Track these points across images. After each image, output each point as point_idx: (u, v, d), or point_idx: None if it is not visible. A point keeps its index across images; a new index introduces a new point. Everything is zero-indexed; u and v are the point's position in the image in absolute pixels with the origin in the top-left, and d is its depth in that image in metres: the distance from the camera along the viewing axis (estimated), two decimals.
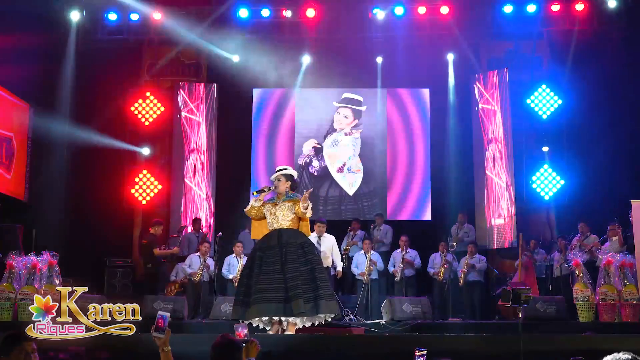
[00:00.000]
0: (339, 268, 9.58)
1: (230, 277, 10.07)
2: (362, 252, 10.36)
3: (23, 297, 8.11)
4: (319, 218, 10.00)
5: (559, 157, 11.94)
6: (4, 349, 3.52)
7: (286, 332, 6.72)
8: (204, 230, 11.65)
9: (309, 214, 6.80)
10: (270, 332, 6.70)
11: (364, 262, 10.14)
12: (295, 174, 7.18)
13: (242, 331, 3.99)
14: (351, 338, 7.11)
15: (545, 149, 11.96)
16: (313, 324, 6.80)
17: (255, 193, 7.04)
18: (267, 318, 6.70)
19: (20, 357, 3.50)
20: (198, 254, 10.22)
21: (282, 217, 6.84)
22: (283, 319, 6.68)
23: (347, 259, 10.71)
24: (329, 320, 6.86)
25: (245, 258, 10.27)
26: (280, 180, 6.97)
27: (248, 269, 6.85)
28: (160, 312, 3.88)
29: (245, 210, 7.08)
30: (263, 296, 6.55)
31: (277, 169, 7.20)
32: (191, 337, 6.81)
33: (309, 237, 7.10)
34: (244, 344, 3.92)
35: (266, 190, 6.97)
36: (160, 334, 3.84)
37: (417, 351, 4.05)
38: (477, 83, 12.47)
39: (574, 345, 6.43)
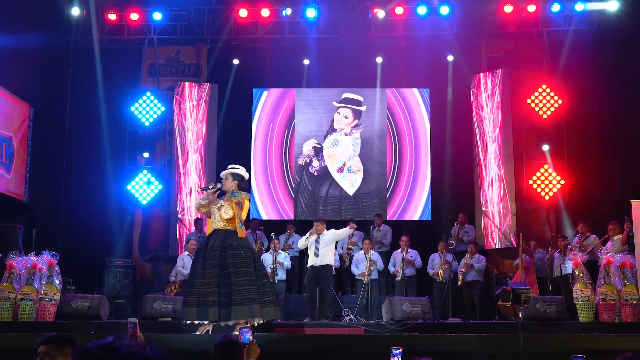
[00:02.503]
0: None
1: None
2: (362, 252, 10.36)
3: (23, 297, 8.11)
4: (315, 217, 10.01)
5: (559, 157, 11.93)
6: None
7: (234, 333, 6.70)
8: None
9: (225, 214, 6.70)
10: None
11: (364, 262, 10.13)
12: (246, 175, 7.09)
13: (247, 333, 4.01)
14: (351, 338, 7.11)
15: (545, 147, 11.94)
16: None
17: (199, 190, 6.98)
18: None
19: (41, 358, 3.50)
20: (187, 252, 10.20)
21: (218, 217, 6.78)
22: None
23: (349, 258, 10.73)
24: (261, 323, 6.75)
25: None
26: (227, 179, 6.89)
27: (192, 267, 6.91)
28: (129, 320, 3.82)
29: (195, 207, 7.03)
30: (188, 300, 6.64)
31: (229, 167, 7.10)
32: (191, 337, 6.80)
33: (245, 238, 6.98)
34: (245, 346, 3.94)
35: (211, 187, 6.88)
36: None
37: (393, 349, 4.09)
38: (476, 83, 12.46)
39: (574, 345, 6.43)
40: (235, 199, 6.78)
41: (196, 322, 6.67)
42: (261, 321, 6.72)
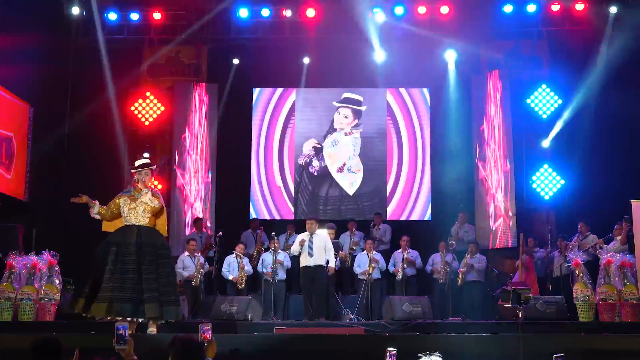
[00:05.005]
0: (331, 264, 9.52)
1: (231, 277, 10.07)
2: (365, 251, 10.36)
3: (23, 297, 8.12)
4: (308, 216, 10.00)
5: (559, 156, 11.93)
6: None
7: (149, 330, 6.67)
8: (207, 230, 11.65)
9: (148, 210, 6.70)
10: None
11: (366, 262, 10.12)
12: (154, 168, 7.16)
13: (207, 333, 4.00)
14: (351, 338, 7.11)
15: (545, 143, 11.91)
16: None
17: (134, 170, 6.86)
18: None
19: None
20: (187, 253, 10.16)
21: (142, 212, 6.73)
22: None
23: (350, 258, 10.72)
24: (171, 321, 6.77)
25: (246, 259, 10.32)
26: (148, 175, 6.86)
27: (99, 262, 6.67)
28: (117, 324, 3.82)
29: (93, 214, 6.90)
30: (117, 295, 6.45)
31: (143, 162, 7.01)
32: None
33: (164, 237, 7.00)
34: (205, 344, 3.92)
35: (82, 199, 6.90)
36: (123, 345, 3.78)
37: (388, 350, 4.09)
38: (476, 83, 12.46)
39: (574, 345, 6.43)
40: (156, 197, 6.82)
41: (108, 318, 6.51)
42: (172, 320, 6.74)
